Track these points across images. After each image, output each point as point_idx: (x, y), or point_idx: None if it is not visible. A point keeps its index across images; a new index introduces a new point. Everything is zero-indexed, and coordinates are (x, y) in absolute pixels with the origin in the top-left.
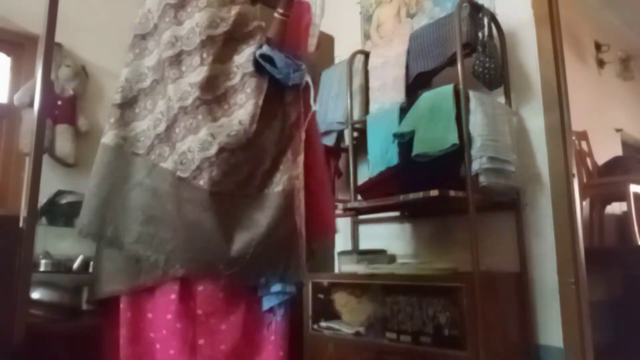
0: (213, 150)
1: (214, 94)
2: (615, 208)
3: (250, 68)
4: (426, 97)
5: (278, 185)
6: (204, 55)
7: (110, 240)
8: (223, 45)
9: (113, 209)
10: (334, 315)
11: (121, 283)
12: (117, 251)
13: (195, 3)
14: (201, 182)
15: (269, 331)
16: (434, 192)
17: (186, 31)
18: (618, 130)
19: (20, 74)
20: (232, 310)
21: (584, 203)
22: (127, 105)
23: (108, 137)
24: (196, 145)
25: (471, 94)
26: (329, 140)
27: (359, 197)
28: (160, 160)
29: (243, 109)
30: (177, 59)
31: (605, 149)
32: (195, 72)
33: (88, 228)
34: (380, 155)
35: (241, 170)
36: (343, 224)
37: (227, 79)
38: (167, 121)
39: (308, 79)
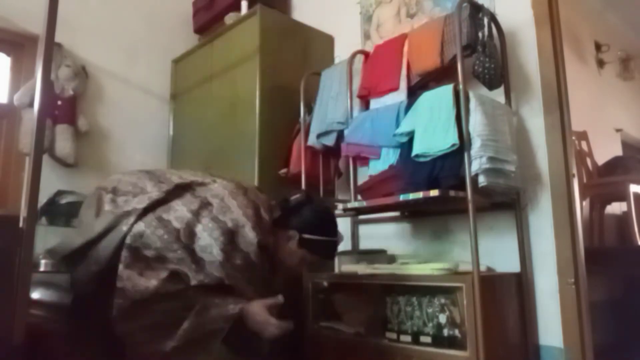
0: None
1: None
2: (615, 208)
3: None
4: (426, 97)
5: None
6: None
7: None
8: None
9: None
10: (334, 315)
11: None
12: None
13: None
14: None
15: None
16: (434, 192)
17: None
18: (618, 130)
19: (20, 74)
20: None
21: (584, 203)
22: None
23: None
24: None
25: (471, 94)
26: (329, 140)
27: (359, 197)
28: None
29: None
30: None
31: (605, 149)
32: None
33: None
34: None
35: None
36: (343, 224)
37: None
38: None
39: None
